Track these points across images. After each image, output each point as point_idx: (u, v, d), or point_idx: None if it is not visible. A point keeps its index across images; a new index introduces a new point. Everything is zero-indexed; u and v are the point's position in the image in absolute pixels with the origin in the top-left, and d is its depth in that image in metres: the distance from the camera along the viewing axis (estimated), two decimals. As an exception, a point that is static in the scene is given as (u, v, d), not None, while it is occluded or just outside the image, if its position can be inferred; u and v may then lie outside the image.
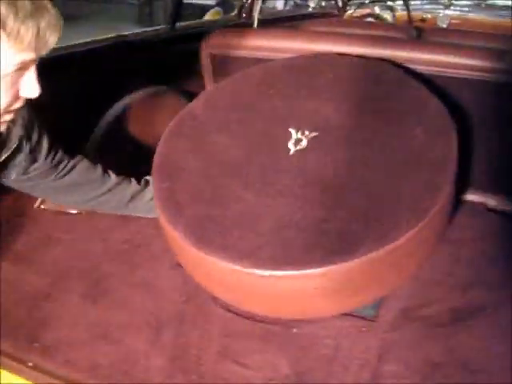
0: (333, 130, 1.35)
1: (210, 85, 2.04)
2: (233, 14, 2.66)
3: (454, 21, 3.25)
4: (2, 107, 0.95)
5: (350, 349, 1.23)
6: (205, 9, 6.38)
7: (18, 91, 0.94)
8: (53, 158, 1.39)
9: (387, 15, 3.33)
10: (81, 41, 1.92)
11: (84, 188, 1.50)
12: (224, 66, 1.98)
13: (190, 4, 7.93)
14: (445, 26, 3.18)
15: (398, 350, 1.22)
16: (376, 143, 1.29)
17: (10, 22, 0.82)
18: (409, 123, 1.32)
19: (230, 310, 1.35)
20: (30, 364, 1.25)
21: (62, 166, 1.43)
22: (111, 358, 1.25)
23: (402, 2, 3.30)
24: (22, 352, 1.27)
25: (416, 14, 3.39)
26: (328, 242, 1.11)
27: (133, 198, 1.54)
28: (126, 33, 1.98)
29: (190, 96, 2.16)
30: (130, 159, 1.89)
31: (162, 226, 1.24)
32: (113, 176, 1.52)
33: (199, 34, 2.06)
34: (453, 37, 2.05)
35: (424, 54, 1.58)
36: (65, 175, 1.44)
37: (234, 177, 1.29)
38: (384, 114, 1.36)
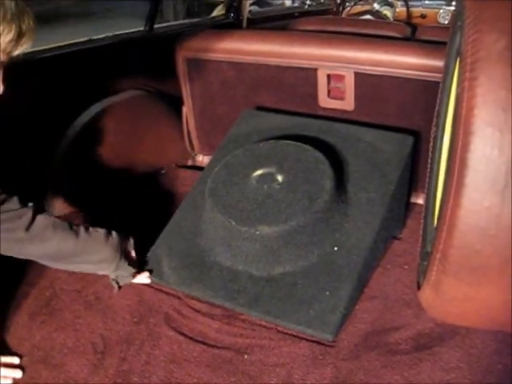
0: None
1: (185, 88, 1.96)
2: (220, 12, 2.56)
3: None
4: None
5: (303, 379, 1.14)
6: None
7: None
8: None
9: (387, 11, 3.21)
10: (55, 45, 1.86)
11: None
12: (199, 68, 1.90)
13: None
14: (446, 22, 3.05)
15: (354, 381, 1.13)
16: None
17: None
18: None
19: (181, 333, 1.27)
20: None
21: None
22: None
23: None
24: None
25: (416, 10, 3.28)
26: None
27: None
28: (99, 36, 1.90)
29: (168, 98, 2.10)
30: (102, 166, 1.83)
31: None
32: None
33: (178, 36, 1.98)
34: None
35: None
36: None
37: None
38: None
